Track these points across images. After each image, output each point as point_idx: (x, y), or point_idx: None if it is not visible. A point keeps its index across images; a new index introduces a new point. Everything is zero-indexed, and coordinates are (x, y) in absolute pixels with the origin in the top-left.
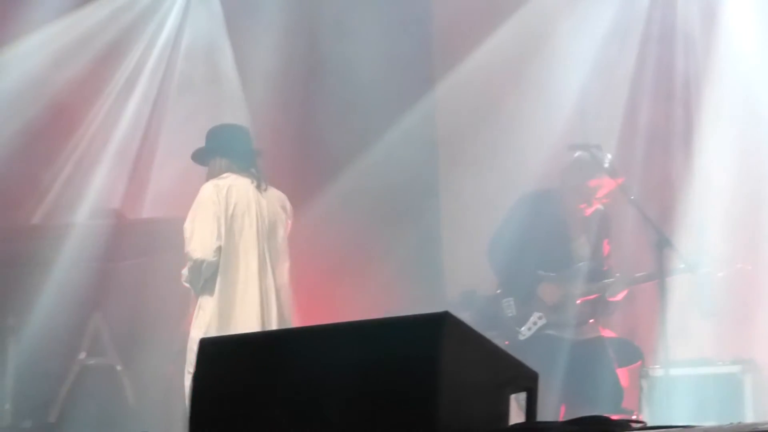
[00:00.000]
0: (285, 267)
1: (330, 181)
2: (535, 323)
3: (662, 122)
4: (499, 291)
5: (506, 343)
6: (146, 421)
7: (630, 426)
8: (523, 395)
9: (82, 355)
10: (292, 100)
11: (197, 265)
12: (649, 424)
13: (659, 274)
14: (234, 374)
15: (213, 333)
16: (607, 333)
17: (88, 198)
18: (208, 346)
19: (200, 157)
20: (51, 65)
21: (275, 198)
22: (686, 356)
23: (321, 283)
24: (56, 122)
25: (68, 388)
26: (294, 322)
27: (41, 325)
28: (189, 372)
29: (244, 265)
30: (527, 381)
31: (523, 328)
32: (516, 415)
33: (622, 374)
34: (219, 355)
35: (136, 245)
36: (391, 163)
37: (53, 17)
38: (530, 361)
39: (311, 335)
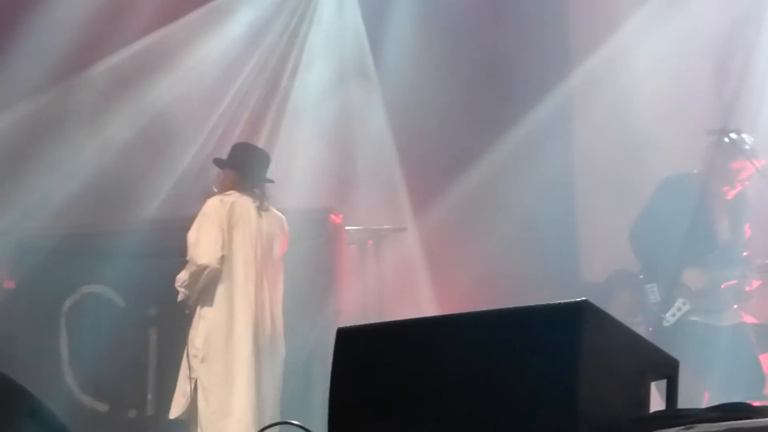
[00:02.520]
0: (279, 283)
1: (466, 172)
2: (679, 309)
3: None
4: (641, 276)
5: (650, 329)
6: (287, 410)
7: None
8: (663, 382)
9: None
10: (426, 91)
11: (200, 271)
12: None
13: None
14: (373, 362)
15: (214, 342)
16: (749, 319)
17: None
18: (346, 335)
19: (219, 163)
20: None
21: (275, 218)
22: None
23: (459, 270)
24: (190, 112)
25: None
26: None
27: (181, 315)
28: (192, 378)
29: (242, 278)
30: (667, 368)
31: (667, 314)
32: (657, 402)
33: (764, 360)
34: (358, 343)
35: None
36: (526, 151)
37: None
38: (674, 348)
39: (451, 323)
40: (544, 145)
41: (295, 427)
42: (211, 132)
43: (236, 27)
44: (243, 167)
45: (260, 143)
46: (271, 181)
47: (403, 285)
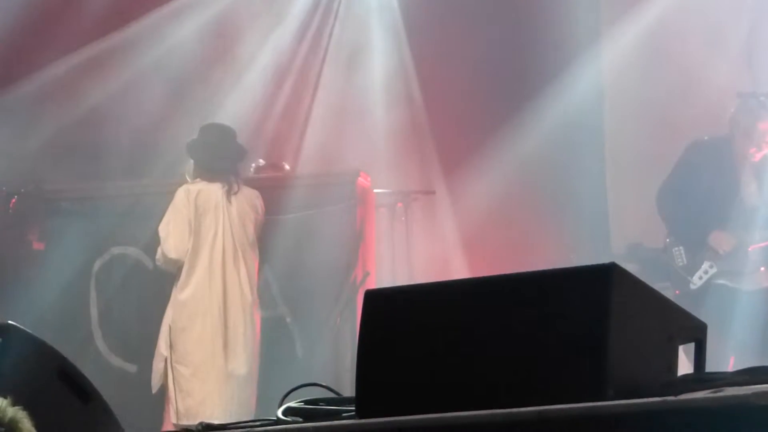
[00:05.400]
0: (254, 262)
1: (495, 135)
2: (706, 272)
3: None
4: (668, 240)
5: (677, 292)
6: (315, 373)
7: None
8: (691, 346)
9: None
10: (457, 53)
11: (170, 263)
12: None
13: None
14: (401, 325)
15: (180, 321)
16: None
17: (254, 153)
18: (374, 298)
19: (188, 150)
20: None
21: (245, 199)
22: None
23: (488, 233)
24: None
25: None
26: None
27: None
28: (163, 354)
29: (207, 262)
30: (696, 332)
31: (694, 277)
32: (684, 366)
33: None
34: (386, 306)
35: (303, 198)
36: (556, 115)
37: None
38: (701, 311)
39: (480, 286)
40: (573, 111)
41: (323, 388)
42: (246, 95)
43: None
44: (206, 155)
45: (293, 108)
46: (244, 152)
47: (432, 248)
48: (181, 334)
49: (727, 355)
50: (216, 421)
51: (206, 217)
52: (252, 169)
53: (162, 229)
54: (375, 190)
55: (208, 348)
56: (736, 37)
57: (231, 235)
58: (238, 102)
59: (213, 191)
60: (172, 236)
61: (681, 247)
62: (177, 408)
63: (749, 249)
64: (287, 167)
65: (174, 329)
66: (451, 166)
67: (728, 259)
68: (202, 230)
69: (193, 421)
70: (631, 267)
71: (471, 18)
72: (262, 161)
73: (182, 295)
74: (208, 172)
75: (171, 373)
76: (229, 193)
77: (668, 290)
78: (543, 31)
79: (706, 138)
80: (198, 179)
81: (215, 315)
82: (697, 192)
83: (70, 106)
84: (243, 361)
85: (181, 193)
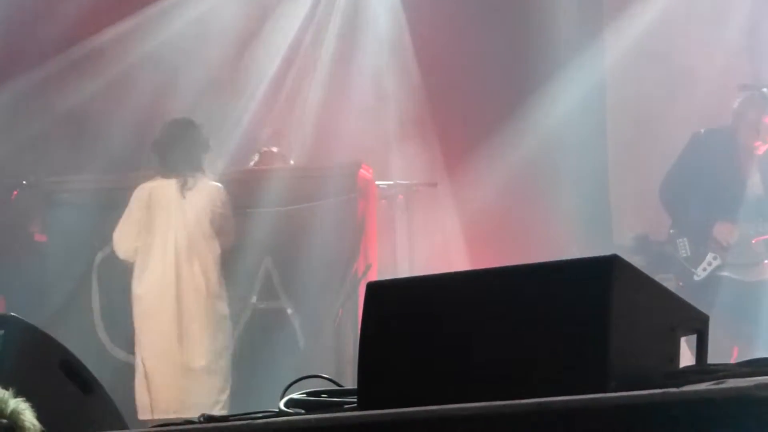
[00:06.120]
0: (209, 253)
1: (497, 128)
2: (710, 264)
3: None
4: (672, 231)
5: (680, 284)
6: (316, 364)
7: None
8: (693, 338)
9: (254, 299)
10: (460, 46)
11: (124, 262)
12: None
13: None
14: (403, 317)
15: (138, 317)
16: None
17: (255, 145)
18: (376, 290)
19: (151, 149)
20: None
21: (202, 193)
22: None
23: (489, 225)
24: (231, 70)
25: (240, 331)
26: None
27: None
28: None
29: (160, 258)
30: (697, 323)
31: (698, 269)
32: (686, 357)
33: None
34: (388, 298)
35: (305, 190)
36: (558, 108)
37: None
38: (704, 303)
39: (481, 277)
40: (575, 104)
41: (324, 380)
42: (247, 88)
43: None
44: (161, 151)
45: (294, 100)
46: (206, 146)
47: (434, 240)
48: (140, 328)
49: (730, 346)
50: (184, 416)
51: (159, 214)
52: (255, 160)
53: (116, 229)
54: (377, 183)
55: (164, 342)
56: (736, 32)
57: (184, 231)
58: (238, 95)
59: (166, 188)
60: (119, 237)
61: (685, 239)
62: (137, 401)
63: (753, 241)
64: (291, 162)
65: (135, 324)
66: (453, 159)
67: (732, 251)
68: (154, 227)
69: (150, 416)
70: (637, 259)
71: (475, 11)
72: (265, 151)
73: (138, 291)
74: (163, 168)
75: (136, 366)
76: (183, 189)
77: (672, 281)
78: (546, 24)
79: (710, 129)
80: (156, 176)
81: (169, 310)
82: (701, 183)
83: (68, 98)
84: (199, 353)
85: (135, 193)
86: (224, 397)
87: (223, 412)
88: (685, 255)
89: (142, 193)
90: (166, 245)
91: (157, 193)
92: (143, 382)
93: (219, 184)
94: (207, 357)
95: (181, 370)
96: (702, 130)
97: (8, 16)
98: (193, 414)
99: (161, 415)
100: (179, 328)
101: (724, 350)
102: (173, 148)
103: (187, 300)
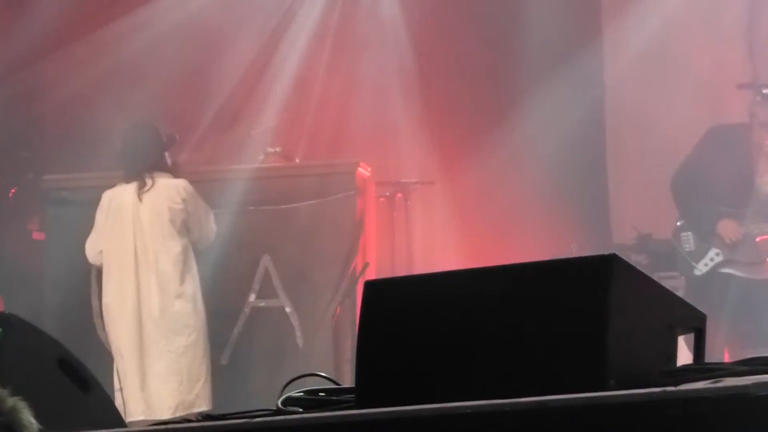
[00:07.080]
0: (171, 253)
1: (495, 126)
2: (712, 259)
3: None
4: (679, 223)
5: (681, 278)
6: (314, 363)
7: None
8: (690, 336)
9: (252, 298)
10: (455, 45)
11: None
12: None
13: None
14: (400, 315)
15: (107, 323)
16: None
17: (256, 143)
18: (374, 288)
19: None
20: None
21: (161, 193)
22: None
23: (488, 224)
24: (224, 65)
25: (239, 330)
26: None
27: (214, 266)
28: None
29: (118, 264)
30: (696, 322)
31: (699, 264)
32: (684, 356)
33: None
34: (386, 296)
35: (303, 188)
36: (556, 105)
37: None
38: (703, 298)
39: (479, 276)
40: (574, 100)
41: (322, 378)
42: (247, 87)
43: None
44: (120, 158)
45: (293, 99)
46: (164, 145)
47: (432, 238)
48: (111, 335)
49: (731, 344)
50: (162, 416)
51: (118, 220)
52: (260, 160)
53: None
54: (375, 181)
55: (127, 346)
56: (736, 30)
57: (141, 234)
58: (239, 94)
59: (124, 193)
60: (89, 242)
61: (690, 232)
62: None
63: (757, 240)
64: (297, 160)
65: (107, 332)
66: (451, 157)
67: (735, 249)
68: (114, 233)
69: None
70: (639, 258)
71: (475, 11)
72: (271, 150)
73: (105, 299)
74: (124, 173)
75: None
76: (140, 192)
77: (675, 279)
78: (546, 23)
79: (724, 125)
80: (121, 182)
81: (129, 313)
82: (713, 178)
83: (66, 95)
84: (156, 356)
85: (101, 199)
86: (191, 397)
87: (200, 409)
88: (688, 249)
89: (104, 199)
90: (125, 251)
91: (117, 199)
92: (118, 386)
93: (180, 181)
94: (164, 359)
95: (141, 374)
96: (718, 125)
97: (3, 13)
98: (165, 416)
99: (131, 418)
100: (140, 332)
101: (722, 348)
102: (129, 152)
103: (148, 303)
